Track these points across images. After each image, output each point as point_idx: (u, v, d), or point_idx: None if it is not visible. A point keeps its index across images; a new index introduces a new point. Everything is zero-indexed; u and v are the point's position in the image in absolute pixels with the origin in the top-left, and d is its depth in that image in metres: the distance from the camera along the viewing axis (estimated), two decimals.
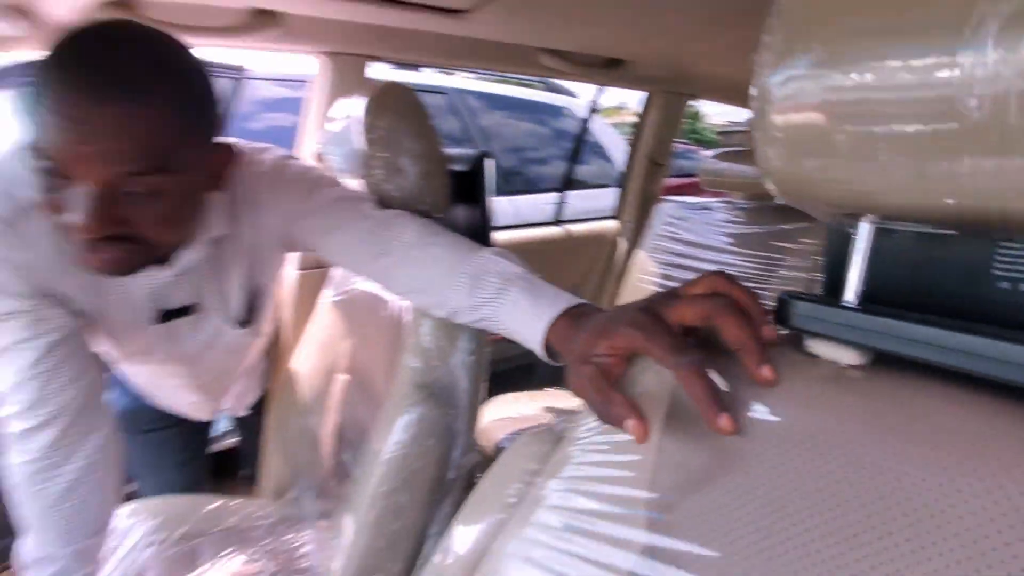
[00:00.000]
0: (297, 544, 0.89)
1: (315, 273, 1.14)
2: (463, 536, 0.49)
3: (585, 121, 2.09)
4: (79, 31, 0.50)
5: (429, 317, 0.70)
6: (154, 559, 0.83)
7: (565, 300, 0.52)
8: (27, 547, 0.64)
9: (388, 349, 0.83)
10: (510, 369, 1.39)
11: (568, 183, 2.04)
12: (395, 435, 0.66)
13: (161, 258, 0.63)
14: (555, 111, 2.78)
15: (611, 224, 1.93)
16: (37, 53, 0.50)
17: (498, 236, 1.71)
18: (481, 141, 2.44)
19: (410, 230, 0.66)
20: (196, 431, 1.04)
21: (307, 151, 1.18)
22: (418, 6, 0.83)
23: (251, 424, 1.13)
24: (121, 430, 0.83)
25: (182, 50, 0.55)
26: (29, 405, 0.60)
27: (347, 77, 1.08)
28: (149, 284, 0.66)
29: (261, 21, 0.88)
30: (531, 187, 2.44)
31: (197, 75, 0.55)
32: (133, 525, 0.87)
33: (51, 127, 0.48)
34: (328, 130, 0.85)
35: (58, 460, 0.62)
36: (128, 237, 0.52)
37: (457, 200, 0.87)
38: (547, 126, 2.80)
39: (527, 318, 0.53)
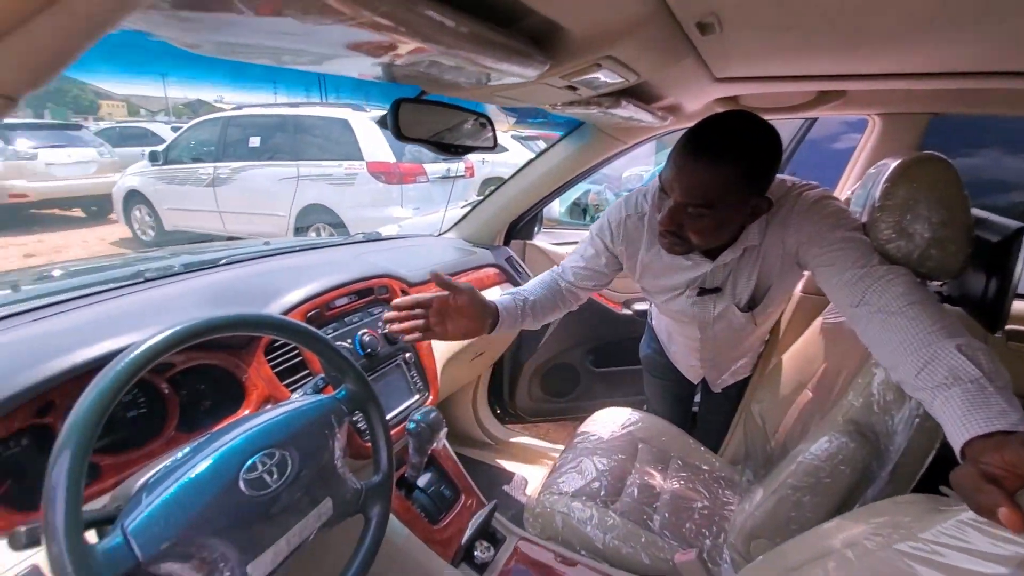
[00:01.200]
0: (729, 500, 1.16)
1: (816, 299, 1.29)
2: (819, 533, 0.62)
3: None
4: (705, 120, 0.81)
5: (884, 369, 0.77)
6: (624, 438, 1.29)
7: (1003, 423, 0.50)
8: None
9: (848, 379, 0.91)
10: None
11: None
12: (815, 448, 0.80)
13: (711, 254, 0.96)
14: None
15: None
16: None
17: None
18: None
19: (892, 294, 0.70)
20: (684, 389, 1.44)
21: (844, 191, 1.30)
22: (989, 73, 0.81)
23: (714, 404, 1.45)
24: (644, 369, 1.38)
25: (759, 132, 0.78)
26: (569, 266, 1.10)
27: (900, 134, 1.12)
28: (694, 271, 1.00)
29: (827, 97, 1.07)
30: None
31: (760, 152, 0.78)
32: (635, 420, 1.35)
33: (670, 165, 0.81)
34: (865, 177, 0.97)
35: (556, 278, 1.11)
36: (679, 235, 0.85)
37: (980, 268, 0.84)
38: None
39: (956, 420, 0.54)
